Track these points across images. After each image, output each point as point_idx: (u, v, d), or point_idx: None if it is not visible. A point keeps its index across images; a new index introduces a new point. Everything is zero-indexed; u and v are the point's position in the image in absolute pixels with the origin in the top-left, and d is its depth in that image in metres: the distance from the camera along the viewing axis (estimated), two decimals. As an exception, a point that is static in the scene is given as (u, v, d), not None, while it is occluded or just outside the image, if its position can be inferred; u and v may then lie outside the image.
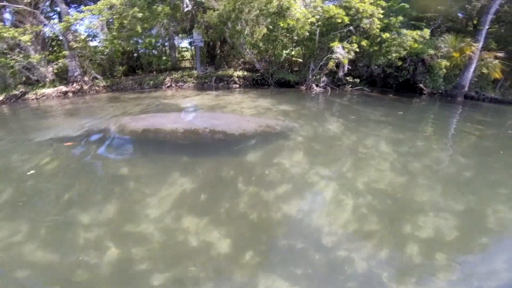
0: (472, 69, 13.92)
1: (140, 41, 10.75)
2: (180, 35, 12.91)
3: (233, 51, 12.28)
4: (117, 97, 8.68)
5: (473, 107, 12.94)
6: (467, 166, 4.38)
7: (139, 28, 9.40)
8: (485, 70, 13.95)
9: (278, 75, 12.29)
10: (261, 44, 11.87)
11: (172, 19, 11.14)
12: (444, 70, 13.21)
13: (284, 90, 11.53)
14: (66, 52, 9.88)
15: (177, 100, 8.38)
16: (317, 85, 12.16)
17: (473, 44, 13.18)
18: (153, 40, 10.66)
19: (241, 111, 6.90)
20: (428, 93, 14.31)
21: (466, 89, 14.57)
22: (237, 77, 11.86)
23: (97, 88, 9.88)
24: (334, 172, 4.01)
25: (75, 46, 9.83)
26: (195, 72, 11.63)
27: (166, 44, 12.67)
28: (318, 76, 12.28)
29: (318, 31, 11.40)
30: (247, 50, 11.38)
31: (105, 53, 10.41)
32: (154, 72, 11.70)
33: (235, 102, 8.26)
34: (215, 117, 5.63)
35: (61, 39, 10.58)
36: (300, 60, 13.24)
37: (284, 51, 11.64)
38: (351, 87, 13.47)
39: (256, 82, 12.31)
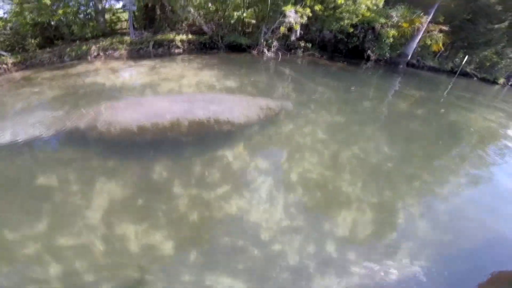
0: (417, 40, 14.57)
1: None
2: None
3: (173, 15, 10.84)
4: (29, 78, 6.99)
5: (412, 76, 13.88)
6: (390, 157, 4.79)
7: (46, 0, 7.65)
8: (428, 41, 14.72)
9: (229, 38, 11.30)
10: (210, 5, 10.77)
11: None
12: (391, 39, 13.61)
13: (234, 56, 10.75)
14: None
15: (102, 78, 6.92)
16: (268, 50, 11.76)
17: (423, 16, 13.60)
18: (70, 10, 8.77)
19: (180, 90, 6.10)
20: (374, 59, 14.85)
21: (409, 57, 15.44)
22: (180, 41, 10.54)
23: (4, 66, 7.93)
24: (272, 164, 4.08)
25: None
26: (128, 38, 10.00)
27: (92, 6, 10.52)
28: (270, 40, 11.83)
29: (270, -8, 10.62)
30: (192, 12, 10.17)
31: (8, 27, 8.51)
32: (77, 41, 9.81)
33: (174, 76, 7.16)
34: (212, 101, 4.75)
35: None
36: (254, 21, 12.43)
37: (236, 13, 10.70)
38: (303, 51, 13.31)
39: (204, 46, 11.19)
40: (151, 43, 10.13)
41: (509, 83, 22.91)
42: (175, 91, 5.99)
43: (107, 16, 11.59)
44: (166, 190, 3.44)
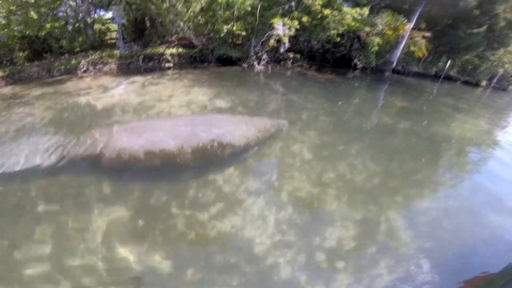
0: (401, 47, 15.08)
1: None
2: (100, 9, 10.93)
3: (162, 28, 10.93)
4: (19, 96, 6.87)
5: (397, 84, 14.34)
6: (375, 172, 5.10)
7: (33, 14, 7.66)
8: (412, 48, 15.24)
9: (219, 50, 11.54)
10: (199, 17, 10.96)
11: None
12: (377, 47, 14.04)
13: (225, 70, 10.92)
14: None
15: (94, 98, 6.80)
16: (258, 63, 12.05)
17: (406, 23, 14.10)
18: (57, 24, 8.65)
19: (170, 111, 6.17)
20: (361, 68, 15.31)
21: (394, 64, 15.96)
22: (170, 55, 10.65)
23: (-7, 79, 7.81)
24: (268, 184, 4.30)
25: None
26: (117, 51, 10.03)
27: (80, 19, 10.44)
28: (260, 53, 12.11)
29: (259, 6, 10.93)
30: (181, 26, 10.34)
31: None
32: (66, 54, 9.76)
33: (164, 96, 7.11)
34: (213, 123, 4.75)
35: None
36: (244, 33, 12.70)
37: (225, 26, 10.93)
38: (292, 62, 13.65)
39: (194, 60, 11.37)
40: (141, 57, 10.20)
41: (491, 85, 23.79)
42: (167, 112, 6.11)
43: (96, 26, 11.55)
44: (179, 214, 3.60)
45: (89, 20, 10.23)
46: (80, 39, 9.93)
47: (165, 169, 4.21)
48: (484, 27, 15.80)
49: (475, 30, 15.97)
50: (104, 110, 6.03)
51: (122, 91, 7.32)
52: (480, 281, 3.28)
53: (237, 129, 4.83)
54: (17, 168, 3.86)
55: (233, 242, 3.31)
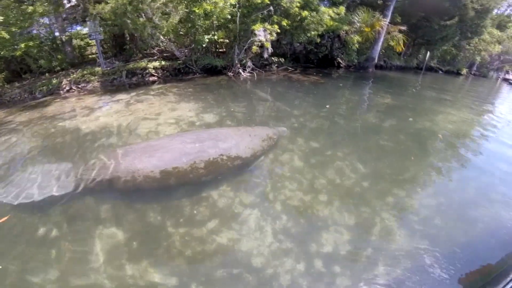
0: (380, 42, 15.41)
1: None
2: (77, 25, 10.74)
3: (142, 42, 10.75)
4: (3, 122, 6.69)
5: (381, 80, 14.60)
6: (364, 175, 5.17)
7: (4, 34, 7.47)
8: (391, 42, 15.60)
9: (203, 61, 11.51)
10: (180, 28, 10.90)
11: (58, 15, 9.17)
12: (356, 45, 14.28)
13: (211, 81, 10.83)
14: None
15: (80, 121, 6.60)
16: (244, 70, 12.07)
17: (382, 19, 14.41)
18: (32, 43, 8.45)
19: (158, 130, 6.07)
20: (345, 66, 15.55)
21: (376, 60, 16.26)
22: (153, 68, 10.46)
23: (-28, 105, 7.46)
24: (257, 197, 4.31)
25: None
26: (99, 68, 9.78)
27: (57, 35, 10.03)
28: (244, 60, 12.14)
29: (239, 14, 10.96)
30: (161, 39, 10.25)
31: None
32: (47, 73, 9.51)
33: (150, 114, 6.95)
34: (218, 137, 4.86)
35: None
36: (227, 40, 12.69)
37: (206, 36, 10.90)
38: (277, 66, 13.75)
39: (179, 72, 11.25)
40: (124, 73, 10.04)
41: (472, 72, 24.53)
42: (154, 132, 5.98)
43: (75, 41, 11.31)
44: (206, 229, 3.69)
45: (64, 37, 10.04)
46: (59, 57, 9.69)
47: (179, 187, 4.29)
48: (456, 19, 16.31)
49: (448, 22, 16.48)
50: (92, 133, 5.91)
51: (106, 111, 7.18)
52: (476, 274, 3.36)
53: (242, 141, 4.96)
54: (34, 198, 3.80)
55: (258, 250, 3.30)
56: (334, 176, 4.88)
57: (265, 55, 12.08)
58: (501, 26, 24.46)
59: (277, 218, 3.93)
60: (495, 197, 4.70)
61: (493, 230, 4.00)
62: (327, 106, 8.45)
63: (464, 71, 22.66)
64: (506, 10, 26.62)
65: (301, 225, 3.87)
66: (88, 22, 9.04)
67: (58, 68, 9.63)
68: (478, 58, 22.68)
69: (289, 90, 10.38)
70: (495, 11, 20.48)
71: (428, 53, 19.02)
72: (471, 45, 21.05)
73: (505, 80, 24.28)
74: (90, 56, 11.85)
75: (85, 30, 11.33)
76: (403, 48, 15.78)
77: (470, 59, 22.82)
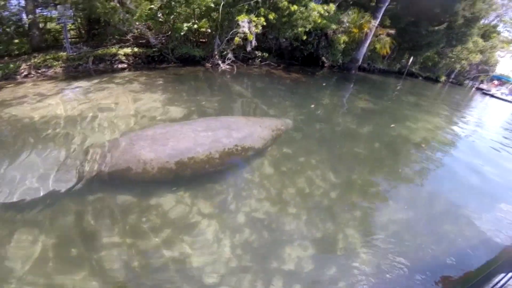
0: (367, 44, 15.32)
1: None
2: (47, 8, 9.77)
3: (113, 28, 10.00)
4: None
5: (363, 82, 14.56)
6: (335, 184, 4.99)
7: None
8: (377, 46, 15.56)
9: (181, 49, 10.83)
10: (159, 14, 10.18)
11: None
12: (343, 45, 14.11)
13: (185, 72, 10.16)
14: None
15: (26, 109, 5.82)
16: (223, 62, 11.55)
17: (371, 21, 14.28)
18: None
19: (112, 122, 5.40)
20: (328, 66, 15.37)
21: (360, 62, 16.22)
22: (124, 55, 9.74)
23: None
24: (216, 208, 4.00)
25: None
26: (63, 53, 9.06)
27: (24, 18, 9.29)
28: (225, 52, 11.62)
29: (223, 2, 10.37)
30: (136, 25, 9.50)
31: None
32: (6, 57, 8.63)
33: (106, 104, 6.24)
34: (231, 127, 4.77)
35: None
36: (209, 30, 12.06)
37: (186, 24, 10.25)
38: (260, 61, 13.33)
39: (152, 60, 10.52)
40: (91, 59, 9.28)
41: (449, 80, 25.25)
42: (106, 124, 5.44)
43: (51, 25, 10.43)
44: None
45: (27, 20, 9.14)
46: (17, 41, 8.78)
47: (195, 177, 4.06)
48: (445, 25, 16.55)
49: (436, 28, 16.68)
50: (34, 123, 5.24)
51: (60, 99, 6.47)
52: (449, 281, 3.31)
53: (255, 131, 4.96)
54: (40, 194, 3.44)
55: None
56: (304, 185, 4.63)
57: (248, 48, 11.60)
58: (485, 36, 25.23)
59: (238, 230, 3.61)
60: (462, 212, 4.67)
61: (460, 244, 3.95)
62: (312, 106, 8.19)
63: (443, 78, 23.27)
64: (493, 20, 27.18)
65: (264, 239, 3.58)
66: (58, 6, 8.27)
67: (17, 52, 8.80)
68: (458, 66, 23.34)
69: (269, 86, 10.01)
70: (482, 20, 20.96)
71: (412, 58, 19.26)
72: (453, 53, 21.56)
73: (479, 89, 25.29)
74: (61, 41, 10.86)
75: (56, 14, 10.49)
76: (389, 51, 15.82)
77: (450, 67, 23.43)
